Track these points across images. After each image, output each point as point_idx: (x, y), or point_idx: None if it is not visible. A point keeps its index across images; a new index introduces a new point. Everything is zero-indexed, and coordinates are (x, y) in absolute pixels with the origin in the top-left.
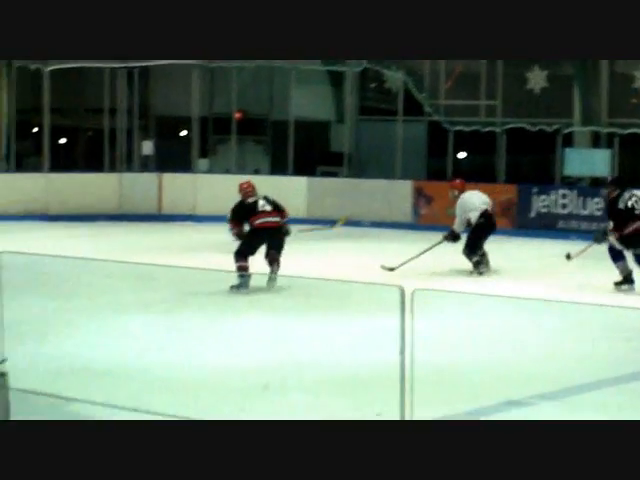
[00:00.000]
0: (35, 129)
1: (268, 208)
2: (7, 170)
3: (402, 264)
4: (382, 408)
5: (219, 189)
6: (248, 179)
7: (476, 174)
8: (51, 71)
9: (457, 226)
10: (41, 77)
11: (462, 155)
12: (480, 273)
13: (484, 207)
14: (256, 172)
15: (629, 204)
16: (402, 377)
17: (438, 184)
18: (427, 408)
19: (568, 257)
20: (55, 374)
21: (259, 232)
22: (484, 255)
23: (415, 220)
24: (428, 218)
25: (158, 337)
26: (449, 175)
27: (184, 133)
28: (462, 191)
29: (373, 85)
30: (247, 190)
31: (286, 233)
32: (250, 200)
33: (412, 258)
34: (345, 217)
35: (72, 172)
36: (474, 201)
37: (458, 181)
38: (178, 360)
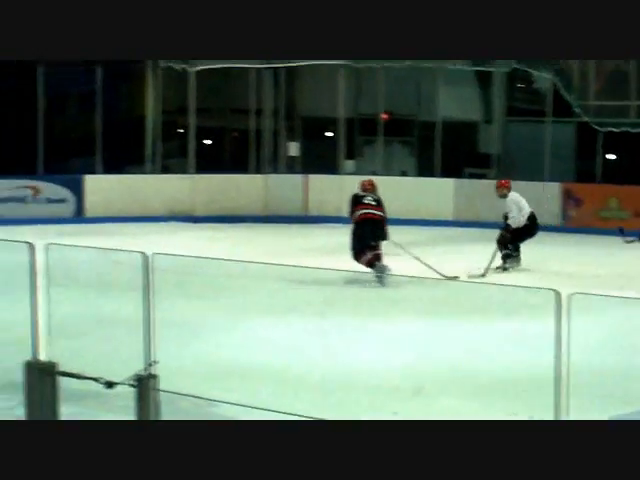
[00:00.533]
0: (181, 130)
1: (373, 203)
2: (153, 171)
3: (488, 268)
4: (535, 411)
5: None
6: (370, 178)
7: (626, 176)
8: (197, 72)
9: (514, 221)
10: (187, 78)
11: (611, 156)
12: (505, 268)
13: (531, 210)
14: (402, 174)
15: None
16: (557, 381)
17: (588, 186)
18: (581, 412)
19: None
20: (200, 375)
21: (361, 224)
22: (518, 251)
23: (564, 223)
24: (577, 221)
25: (306, 339)
26: (598, 177)
27: (330, 134)
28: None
29: (521, 86)
30: (366, 186)
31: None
32: (361, 193)
33: (492, 259)
34: None
35: (217, 173)
36: (524, 202)
37: (504, 181)
38: (326, 362)
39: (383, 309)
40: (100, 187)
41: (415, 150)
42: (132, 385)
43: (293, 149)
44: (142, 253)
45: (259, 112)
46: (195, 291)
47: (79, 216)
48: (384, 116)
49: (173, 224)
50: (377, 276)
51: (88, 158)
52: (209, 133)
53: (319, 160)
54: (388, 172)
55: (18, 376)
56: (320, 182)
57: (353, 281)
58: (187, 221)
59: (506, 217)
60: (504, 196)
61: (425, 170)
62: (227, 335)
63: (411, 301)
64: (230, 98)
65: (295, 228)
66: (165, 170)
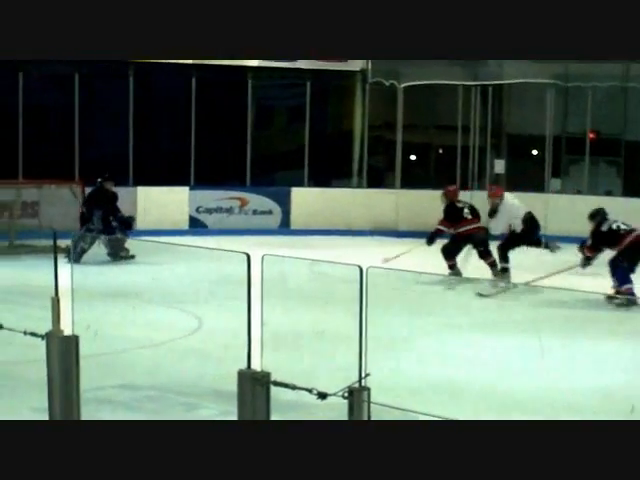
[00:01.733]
0: (387, 145)
1: (469, 216)
2: (359, 186)
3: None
4: None
5: (570, 210)
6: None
7: None
8: (405, 87)
9: (496, 229)
10: (395, 93)
11: None
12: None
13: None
14: (608, 193)
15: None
16: None
17: None
18: None
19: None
20: (406, 389)
21: (462, 238)
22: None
23: None
24: None
25: (515, 356)
26: None
27: (536, 152)
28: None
29: None
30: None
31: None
32: (459, 205)
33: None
34: None
35: (422, 189)
36: (517, 208)
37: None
38: (538, 381)
39: (593, 328)
40: (306, 200)
41: (621, 170)
42: (344, 397)
43: (499, 166)
44: (358, 266)
45: (465, 129)
46: (404, 305)
47: (285, 228)
48: (591, 135)
49: (377, 238)
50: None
51: (295, 171)
52: (415, 149)
53: (524, 178)
54: (593, 191)
55: (224, 385)
56: (525, 200)
57: (562, 300)
58: (390, 236)
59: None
60: (496, 205)
61: (631, 190)
62: (433, 349)
63: (617, 322)
64: (437, 114)
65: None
66: (371, 185)
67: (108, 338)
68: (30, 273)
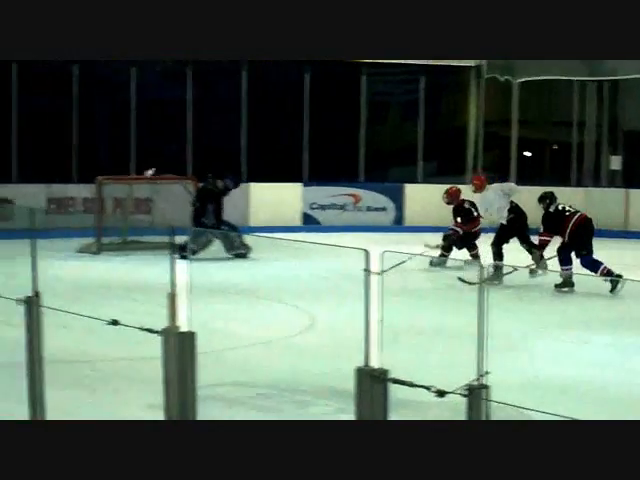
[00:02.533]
0: (502, 141)
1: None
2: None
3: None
4: None
5: None
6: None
7: None
8: (520, 83)
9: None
10: (510, 89)
11: None
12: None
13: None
14: None
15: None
16: None
17: None
18: None
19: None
20: (518, 387)
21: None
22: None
23: None
24: None
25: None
26: None
27: None
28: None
29: None
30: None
31: None
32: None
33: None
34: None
35: (537, 185)
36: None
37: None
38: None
39: None
40: (420, 196)
41: None
42: (463, 395)
43: (615, 163)
44: (479, 264)
45: (581, 125)
46: (529, 305)
47: (398, 225)
48: None
49: (489, 235)
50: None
51: (409, 167)
52: (530, 145)
53: None
54: None
55: (338, 383)
56: None
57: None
58: None
59: None
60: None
61: None
62: (546, 348)
63: None
64: (552, 110)
65: (615, 242)
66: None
67: (222, 335)
68: (144, 269)
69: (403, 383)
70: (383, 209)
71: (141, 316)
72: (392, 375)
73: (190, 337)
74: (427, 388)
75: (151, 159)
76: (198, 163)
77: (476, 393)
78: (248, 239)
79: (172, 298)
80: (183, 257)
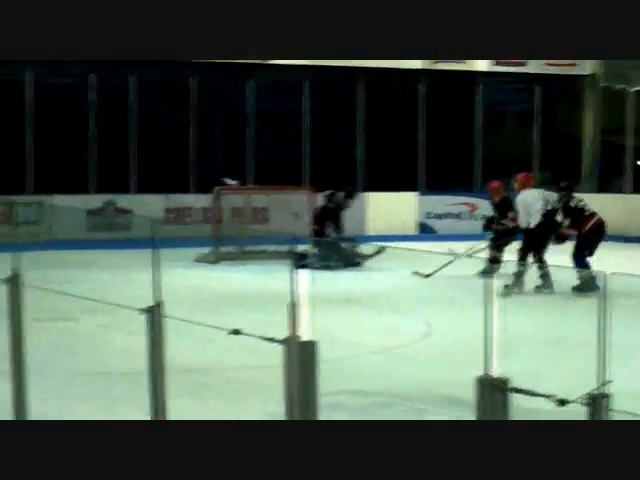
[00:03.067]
0: (617, 150)
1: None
2: (590, 190)
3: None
4: None
5: None
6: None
7: None
8: (636, 92)
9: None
10: (625, 97)
11: None
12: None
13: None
14: None
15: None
16: None
17: None
18: None
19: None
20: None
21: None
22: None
23: None
24: None
25: None
26: None
27: None
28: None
29: None
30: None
31: None
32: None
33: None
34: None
35: None
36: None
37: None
38: None
39: None
40: None
41: None
42: (584, 404)
43: None
44: (602, 272)
45: None
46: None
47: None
48: None
49: (607, 244)
50: None
51: None
52: None
53: None
54: None
55: (455, 391)
56: None
57: None
58: (618, 241)
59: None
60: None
61: None
62: None
63: None
64: None
65: None
66: (601, 189)
67: (340, 343)
68: (261, 279)
69: (523, 392)
70: None
71: (259, 325)
72: (512, 384)
73: (311, 346)
74: (548, 397)
75: (268, 170)
76: (314, 173)
77: (598, 402)
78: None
79: (293, 307)
80: (302, 266)
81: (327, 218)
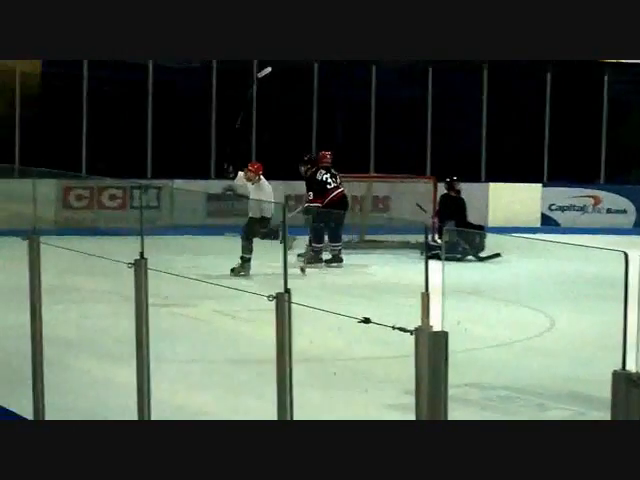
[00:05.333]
0: None
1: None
2: None
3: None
4: None
5: None
6: None
7: None
8: None
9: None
10: None
11: None
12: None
13: None
14: None
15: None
16: None
17: None
18: None
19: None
20: None
21: None
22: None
23: None
24: None
25: None
26: None
27: None
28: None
29: None
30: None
31: None
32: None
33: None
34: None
35: None
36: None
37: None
38: None
39: None
40: None
41: None
42: None
43: None
44: None
45: None
46: None
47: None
48: None
49: None
50: None
51: None
52: None
53: None
54: None
55: (577, 386)
56: None
57: None
58: None
59: None
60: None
61: None
62: None
63: None
64: None
65: None
66: None
67: (464, 335)
68: (383, 268)
69: None
70: (623, 211)
71: (383, 315)
72: None
73: (443, 337)
74: None
75: (390, 158)
76: (437, 162)
77: None
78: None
79: (425, 297)
80: (430, 257)
81: (450, 208)
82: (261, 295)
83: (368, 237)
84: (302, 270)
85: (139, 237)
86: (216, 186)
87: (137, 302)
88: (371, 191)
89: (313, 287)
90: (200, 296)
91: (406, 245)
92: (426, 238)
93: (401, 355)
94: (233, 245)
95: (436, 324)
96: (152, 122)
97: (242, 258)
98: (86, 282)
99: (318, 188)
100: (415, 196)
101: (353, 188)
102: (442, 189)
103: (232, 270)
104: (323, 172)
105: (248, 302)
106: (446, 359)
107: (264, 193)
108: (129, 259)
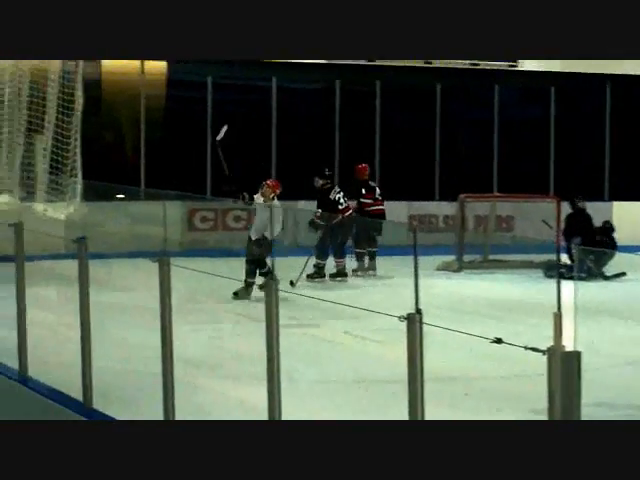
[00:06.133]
0: None
1: None
2: None
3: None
4: None
5: None
6: None
7: None
8: None
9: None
10: None
11: None
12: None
13: None
14: None
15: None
16: None
17: None
18: None
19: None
20: None
21: None
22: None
23: None
24: None
25: None
26: None
27: None
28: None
29: None
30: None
31: None
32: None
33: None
34: None
35: None
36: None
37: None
38: None
39: None
40: None
41: None
42: None
43: None
44: None
45: None
46: None
47: None
48: None
49: None
50: None
51: None
52: None
53: None
54: None
55: None
56: None
57: None
58: None
59: None
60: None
61: None
62: None
63: None
64: None
65: None
66: None
67: (594, 353)
68: (508, 288)
69: None
70: None
71: (509, 334)
72: None
73: (576, 357)
74: None
75: (513, 177)
76: (560, 181)
77: None
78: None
79: (558, 317)
80: (550, 276)
81: (577, 226)
82: (392, 315)
83: (492, 257)
84: (292, 283)
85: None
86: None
87: (267, 322)
88: (495, 211)
89: (439, 307)
90: (324, 316)
91: (530, 264)
92: (558, 257)
93: (525, 374)
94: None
95: (567, 343)
96: (276, 143)
97: (245, 282)
98: (214, 303)
99: (329, 206)
100: (539, 215)
101: (476, 208)
102: (566, 208)
103: (235, 294)
104: (337, 191)
105: (374, 322)
106: (579, 379)
107: (273, 212)
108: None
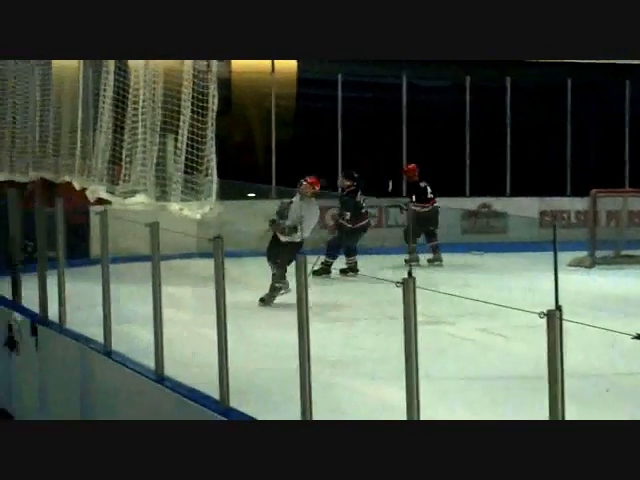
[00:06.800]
0: None
1: None
2: None
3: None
4: None
5: None
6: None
7: None
8: None
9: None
10: None
11: None
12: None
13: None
14: None
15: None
16: None
17: None
18: None
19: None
20: None
21: None
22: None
23: None
24: None
25: None
26: None
27: None
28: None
29: None
30: None
31: None
32: None
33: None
34: None
35: None
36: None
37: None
38: None
39: None
40: None
41: None
42: None
43: None
44: None
45: None
46: None
47: None
48: None
49: None
50: None
51: None
52: None
53: None
54: None
55: None
56: None
57: None
58: None
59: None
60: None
61: None
62: None
63: None
64: None
65: None
66: None
67: None
68: None
69: None
70: None
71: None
72: None
73: None
74: None
75: None
76: None
77: None
78: None
79: None
80: None
81: None
82: (532, 312)
83: (625, 252)
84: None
85: (393, 255)
86: (470, 203)
87: (406, 319)
88: (627, 206)
89: (573, 303)
90: (460, 313)
91: None
92: None
93: None
94: (477, 261)
95: None
96: (407, 142)
97: (273, 287)
98: (349, 300)
99: (354, 209)
100: None
101: (608, 203)
102: None
103: (261, 300)
104: (362, 195)
105: (508, 318)
106: None
107: (308, 213)
108: (390, 277)
